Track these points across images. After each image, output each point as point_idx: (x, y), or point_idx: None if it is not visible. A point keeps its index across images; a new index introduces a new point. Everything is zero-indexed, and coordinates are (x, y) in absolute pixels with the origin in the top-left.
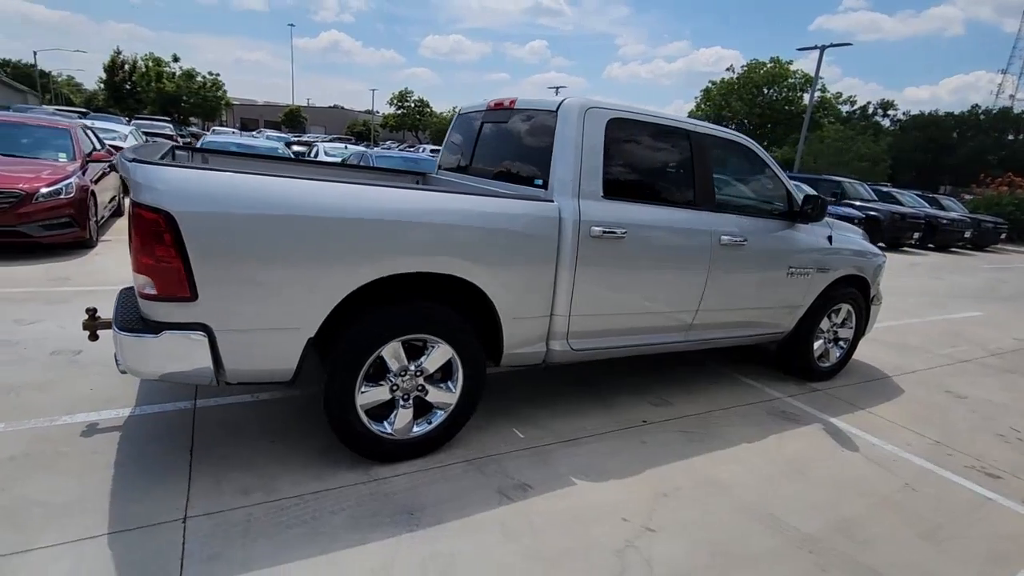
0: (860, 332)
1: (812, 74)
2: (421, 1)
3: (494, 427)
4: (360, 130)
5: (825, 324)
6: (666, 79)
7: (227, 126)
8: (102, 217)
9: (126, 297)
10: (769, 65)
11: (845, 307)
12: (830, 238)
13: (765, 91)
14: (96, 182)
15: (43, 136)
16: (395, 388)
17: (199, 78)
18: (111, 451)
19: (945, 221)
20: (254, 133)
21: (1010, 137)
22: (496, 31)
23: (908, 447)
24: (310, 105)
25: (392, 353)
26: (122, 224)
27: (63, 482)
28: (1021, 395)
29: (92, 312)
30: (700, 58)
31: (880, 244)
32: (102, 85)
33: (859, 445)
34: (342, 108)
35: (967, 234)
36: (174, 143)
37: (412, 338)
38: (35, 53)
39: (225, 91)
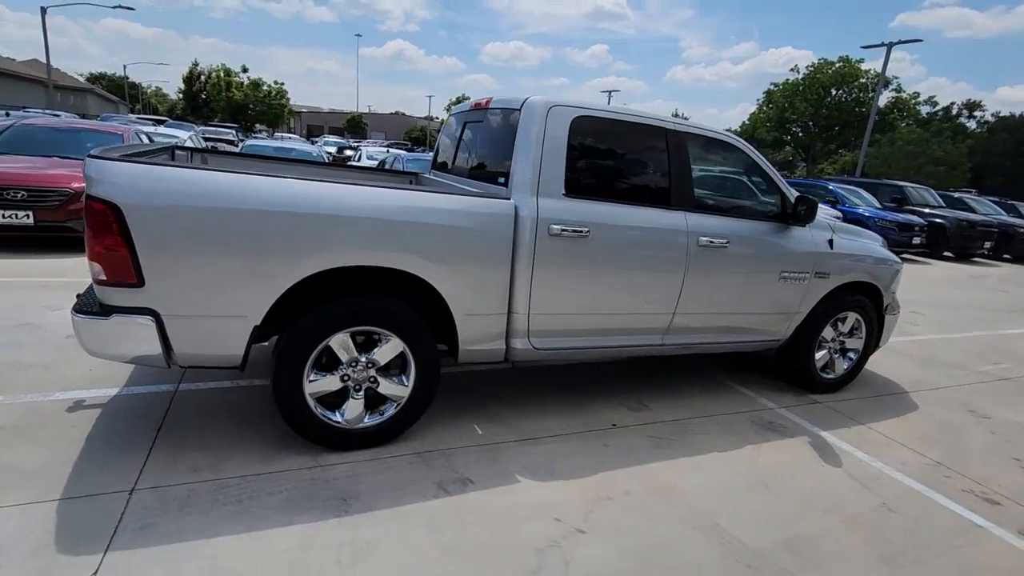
0: (872, 343)
1: (888, 73)
2: (484, 9)
3: (458, 423)
4: (417, 135)
5: (829, 333)
6: (731, 81)
7: (293, 132)
8: None
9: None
10: (838, 64)
11: (852, 316)
12: (831, 241)
13: (833, 92)
14: None
15: (98, 140)
16: (346, 378)
17: (264, 87)
18: (87, 426)
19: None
20: (315, 139)
21: None
22: (557, 36)
23: (901, 466)
24: (372, 112)
25: (340, 344)
26: None
27: (35, 451)
28: None
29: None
30: (769, 59)
31: (947, 253)
32: (181, 95)
33: (844, 461)
34: (403, 114)
35: None
36: (206, 148)
37: (360, 330)
38: (125, 67)
39: (288, 99)
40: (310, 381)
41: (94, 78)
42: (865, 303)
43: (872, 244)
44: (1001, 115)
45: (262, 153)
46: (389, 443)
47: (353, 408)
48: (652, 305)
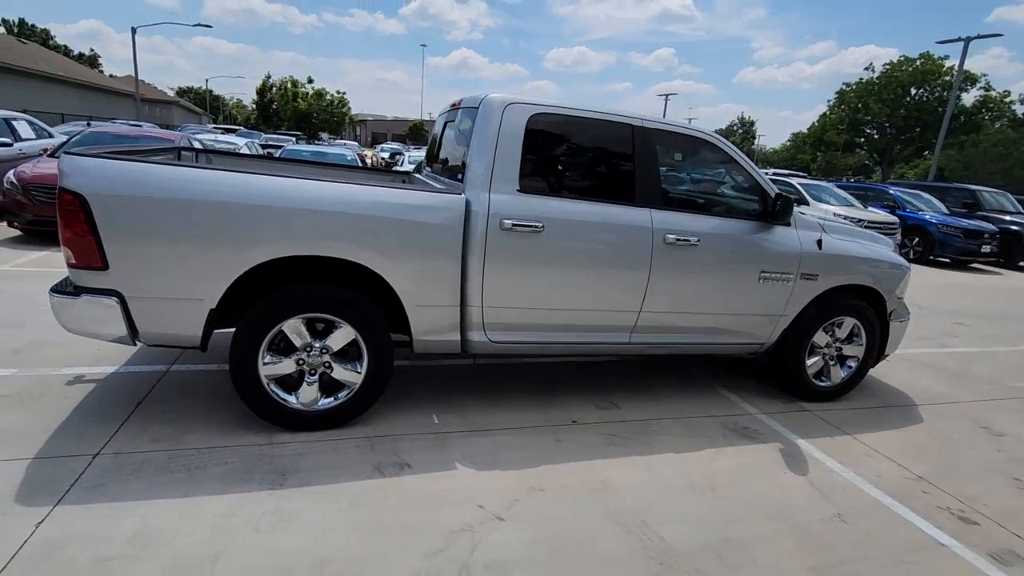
0: (875, 351)
1: (975, 70)
2: (548, 15)
3: (418, 413)
4: None
5: (822, 339)
6: (807, 82)
7: (354, 139)
8: None
9: None
10: (919, 62)
11: (850, 321)
12: (819, 242)
13: (912, 91)
14: None
15: (154, 144)
16: (301, 363)
17: (328, 97)
18: (79, 398)
19: None
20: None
21: None
22: (621, 41)
23: (875, 479)
24: (432, 119)
25: (293, 329)
26: None
27: (26, 416)
28: None
29: None
30: (848, 58)
31: (1022, 263)
32: (254, 106)
33: (811, 469)
34: None
35: None
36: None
37: (311, 317)
38: (207, 80)
39: (349, 107)
40: (264, 363)
41: (181, 92)
42: (864, 308)
43: (873, 246)
44: None
45: (297, 157)
46: (343, 426)
47: (308, 392)
48: (615, 302)
